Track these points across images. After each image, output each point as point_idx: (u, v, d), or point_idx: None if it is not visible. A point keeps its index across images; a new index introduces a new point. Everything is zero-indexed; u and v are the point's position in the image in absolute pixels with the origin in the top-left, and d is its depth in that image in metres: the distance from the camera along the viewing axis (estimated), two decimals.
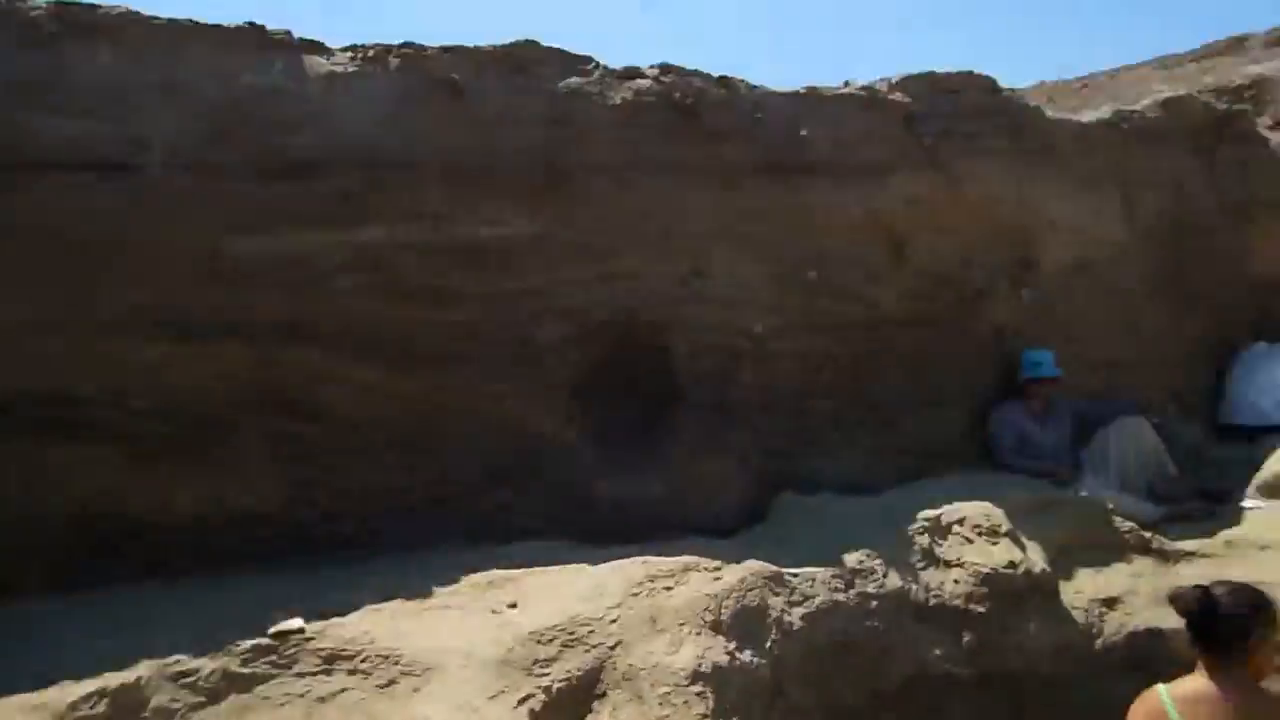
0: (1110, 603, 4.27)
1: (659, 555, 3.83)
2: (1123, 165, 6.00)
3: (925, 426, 5.36)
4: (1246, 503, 4.95)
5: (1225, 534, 4.69)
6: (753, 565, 3.78)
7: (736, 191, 5.01)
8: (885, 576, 4.04)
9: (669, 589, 3.54)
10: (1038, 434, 5.33)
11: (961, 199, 5.48)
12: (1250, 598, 2.47)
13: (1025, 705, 4.10)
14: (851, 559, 4.05)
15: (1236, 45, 10.43)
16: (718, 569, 3.75)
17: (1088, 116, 6.08)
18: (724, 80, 5.11)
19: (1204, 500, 5.12)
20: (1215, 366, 6.33)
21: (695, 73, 5.06)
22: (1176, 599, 2.49)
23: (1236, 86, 8.84)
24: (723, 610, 3.47)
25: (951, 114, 5.52)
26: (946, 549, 4.25)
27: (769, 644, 3.53)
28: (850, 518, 4.43)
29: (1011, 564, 4.16)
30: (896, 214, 5.34)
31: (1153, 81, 10.44)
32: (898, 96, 5.46)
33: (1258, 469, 5.26)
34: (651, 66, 4.99)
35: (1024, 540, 4.33)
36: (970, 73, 5.64)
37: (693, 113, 4.92)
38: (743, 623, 3.50)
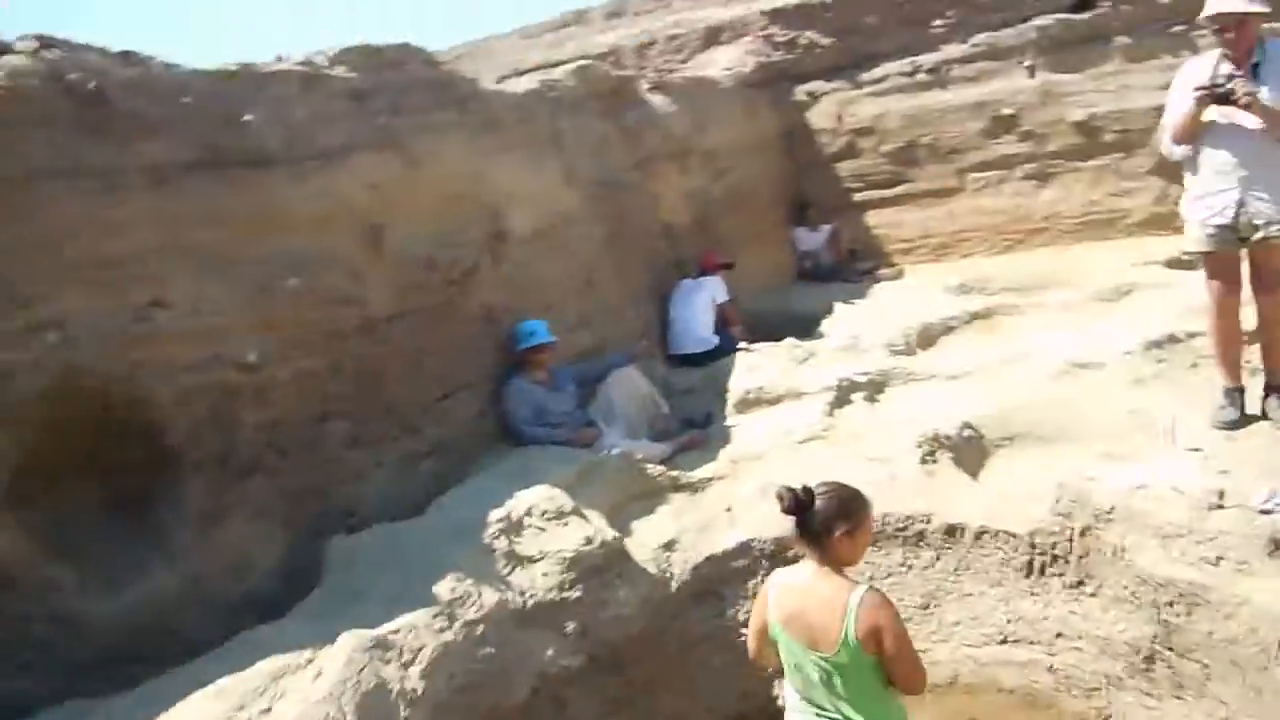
0: (669, 545, 4.47)
1: (222, 671, 2.98)
2: (556, 132, 6.25)
3: (445, 421, 5.05)
4: (729, 421, 5.60)
5: (725, 453, 5.23)
6: (347, 641, 3.14)
7: (174, 195, 4.05)
8: (481, 596, 3.70)
9: (267, 713, 2.76)
10: (550, 402, 5.36)
11: (425, 178, 5.18)
12: (840, 495, 2.63)
13: (626, 668, 4.12)
14: (443, 590, 3.63)
15: (580, 18, 11.68)
16: (310, 661, 3.04)
17: (520, 87, 6.18)
18: (132, 57, 4.07)
19: (694, 428, 5.66)
20: (656, 305, 7.04)
21: (89, 48, 3.94)
22: (780, 497, 2.58)
23: (599, 54, 9.87)
24: (345, 713, 2.81)
25: (398, 89, 5.15)
26: (525, 544, 4.04)
27: None
28: (416, 545, 3.97)
29: (588, 540, 4.10)
30: (365, 201, 4.84)
31: (525, 50, 11.20)
32: (341, 72, 4.91)
33: (724, 391, 5.98)
34: (24, 38, 3.75)
35: (586, 513, 4.31)
36: (407, 45, 5.33)
37: (98, 100, 3.82)
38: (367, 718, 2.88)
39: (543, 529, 4.12)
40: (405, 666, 3.21)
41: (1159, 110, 8.21)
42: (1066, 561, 4.00)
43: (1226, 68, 4.05)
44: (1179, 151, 4.21)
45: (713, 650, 4.35)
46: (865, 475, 4.61)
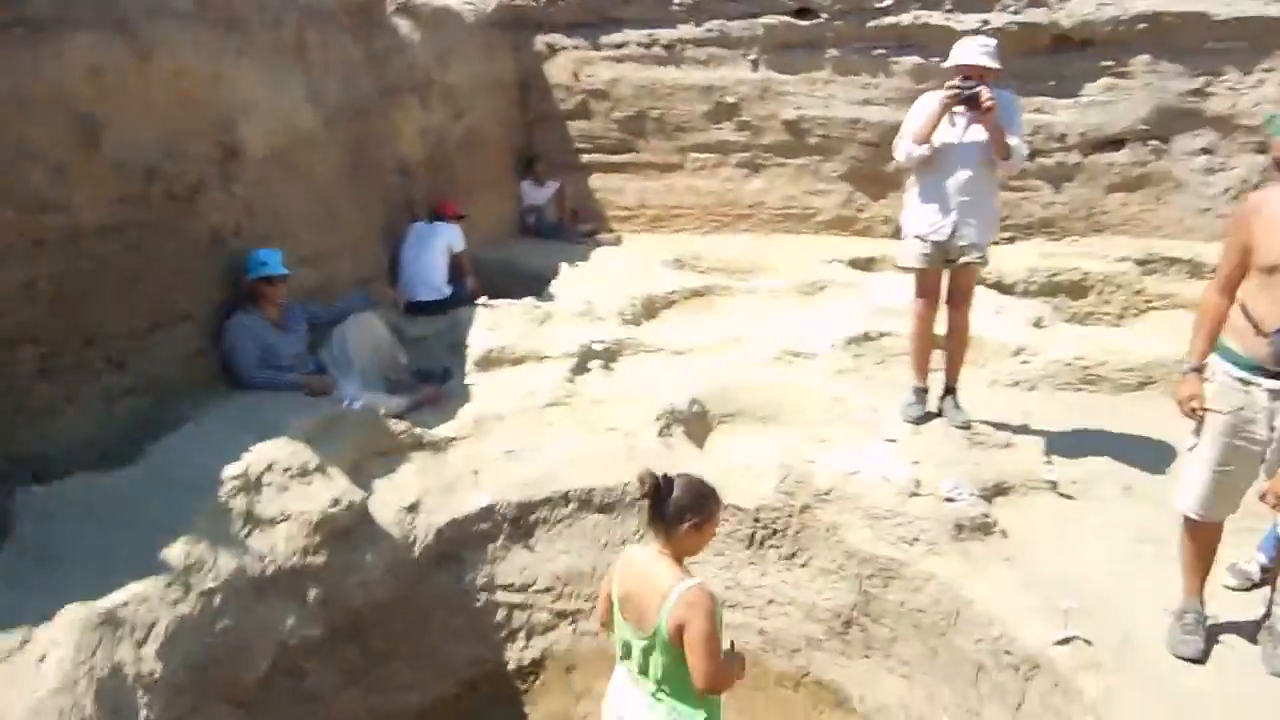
0: (413, 507, 4.35)
1: None
2: (302, 44, 5.68)
3: (156, 355, 4.47)
4: (469, 378, 5.49)
5: (466, 412, 5.14)
6: (72, 617, 2.75)
7: None
8: (218, 562, 3.38)
9: None
10: (280, 343, 4.92)
11: (155, 72, 4.48)
12: (696, 490, 2.70)
13: (365, 636, 3.98)
14: (175, 556, 3.27)
15: None
16: (25, 643, 2.62)
17: None
18: None
19: (429, 382, 5.49)
20: (390, 245, 6.70)
21: None
22: (642, 480, 2.66)
23: None
24: (84, 705, 2.45)
25: None
26: (265, 504, 3.74)
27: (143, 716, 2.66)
28: (129, 500, 3.52)
29: (335, 501, 3.89)
30: (80, 88, 4.12)
31: None
32: None
33: (460, 344, 5.85)
34: None
35: (331, 470, 4.07)
36: None
37: None
38: (107, 711, 2.54)
39: (285, 487, 3.84)
40: (139, 645, 2.87)
41: (856, 122, 9.26)
42: (785, 535, 4.44)
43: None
44: (918, 152, 4.70)
45: (450, 615, 4.32)
46: (608, 445, 4.83)
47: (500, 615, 4.44)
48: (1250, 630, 3.42)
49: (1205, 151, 8.91)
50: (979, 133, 4.59)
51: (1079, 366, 5.71)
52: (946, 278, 4.93)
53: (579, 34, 9.57)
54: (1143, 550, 4.02)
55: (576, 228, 9.25)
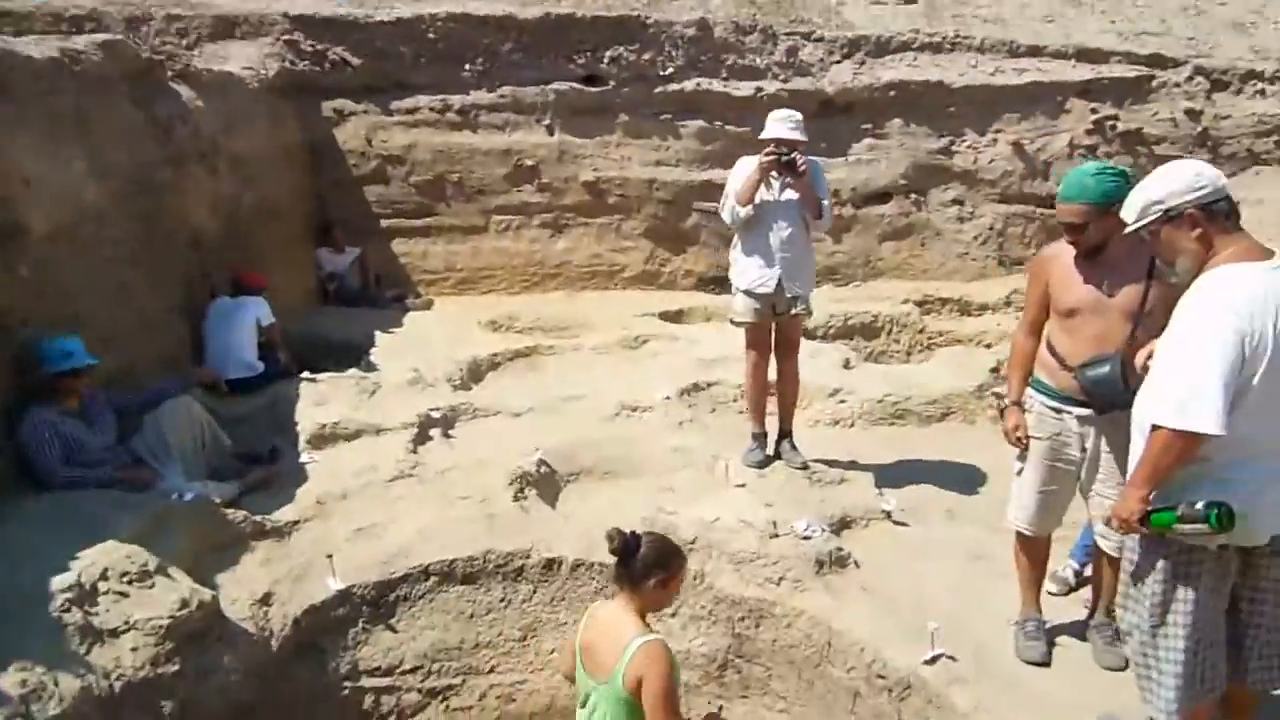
0: (266, 599, 4.04)
1: None
2: (82, 113, 5.24)
3: None
4: (304, 457, 5.17)
5: (304, 492, 4.83)
6: None
7: None
8: (59, 685, 3.00)
9: None
10: (86, 437, 4.45)
11: None
12: (663, 548, 2.87)
13: None
14: (9, 684, 2.90)
15: None
16: None
17: (36, 50, 5.03)
18: None
19: (257, 465, 5.14)
20: (190, 323, 6.23)
21: None
22: (610, 538, 2.80)
23: (75, 14, 8.41)
24: None
25: None
26: (105, 614, 3.37)
27: None
28: None
29: (183, 603, 3.54)
30: None
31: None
32: None
33: (287, 422, 5.52)
34: None
35: (172, 570, 3.71)
36: None
37: None
38: None
39: (125, 594, 3.47)
40: None
41: (652, 182, 9.67)
42: None
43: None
44: (743, 212, 4.98)
45: (315, 709, 4.04)
46: (463, 515, 4.73)
47: (368, 702, 4.19)
48: (1078, 629, 3.84)
49: (956, 203, 10.05)
50: (792, 193, 4.97)
51: (889, 403, 6.23)
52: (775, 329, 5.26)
53: (368, 99, 9.41)
54: (976, 568, 4.41)
55: (383, 294, 9.00)
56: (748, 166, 5.03)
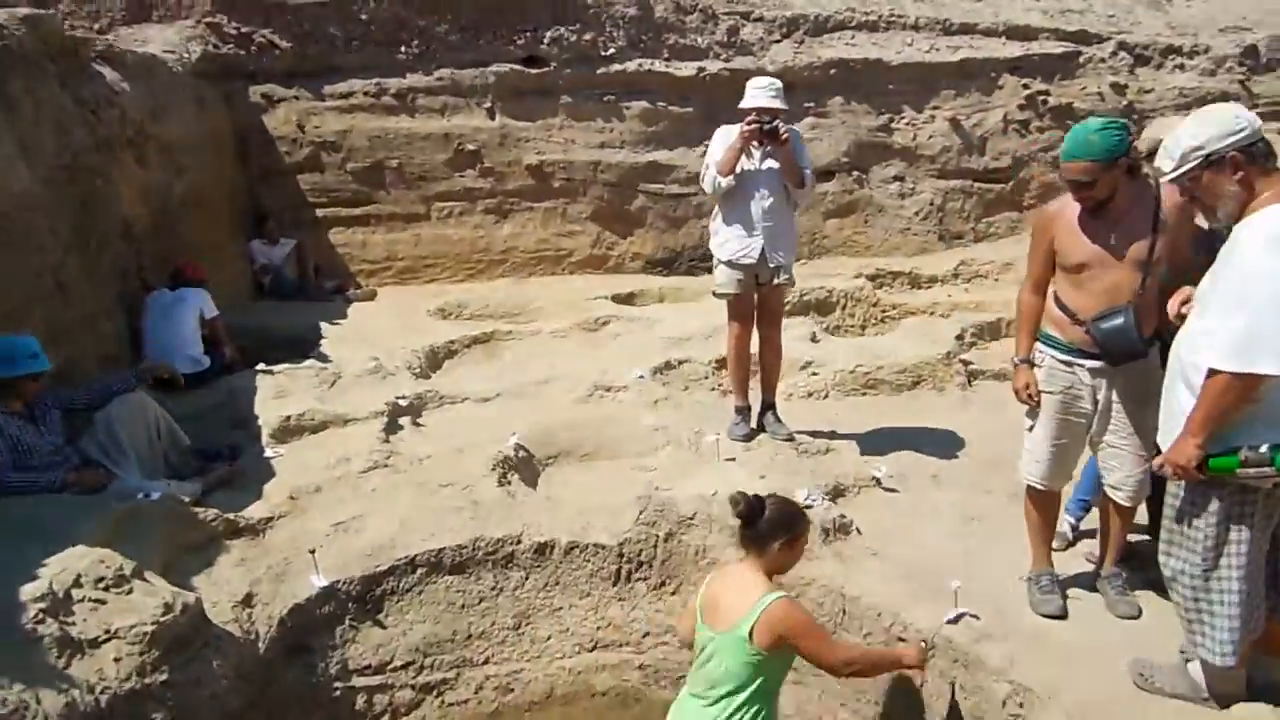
0: (247, 600, 3.78)
1: None
2: (8, 94, 4.84)
3: None
4: (268, 452, 4.87)
5: (274, 488, 4.55)
6: None
7: None
8: (40, 703, 2.73)
9: None
10: (34, 438, 4.10)
11: None
12: (788, 510, 3.01)
13: None
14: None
15: None
16: None
17: None
18: None
19: (218, 461, 4.83)
20: (128, 316, 5.84)
21: None
22: (735, 502, 2.94)
23: None
24: None
25: None
26: (83, 624, 3.08)
27: None
28: None
29: (166, 608, 3.27)
30: None
31: None
32: None
33: (246, 417, 5.21)
34: None
35: (149, 574, 3.43)
36: None
37: None
38: None
39: (102, 601, 3.18)
40: None
41: (597, 164, 9.50)
42: (651, 566, 4.38)
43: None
44: (724, 183, 4.86)
45: (306, 713, 3.79)
46: (447, 503, 4.53)
47: (360, 702, 3.96)
48: (1085, 581, 3.84)
49: (897, 179, 10.15)
50: (774, 162, 4.88)
51: (861, 373, 6.21)
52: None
53: (298, 84, 9.04)
54: (973, 529, 4.41)
55: (321, 286, 8.64)
56: (727, 135, 4.92)
